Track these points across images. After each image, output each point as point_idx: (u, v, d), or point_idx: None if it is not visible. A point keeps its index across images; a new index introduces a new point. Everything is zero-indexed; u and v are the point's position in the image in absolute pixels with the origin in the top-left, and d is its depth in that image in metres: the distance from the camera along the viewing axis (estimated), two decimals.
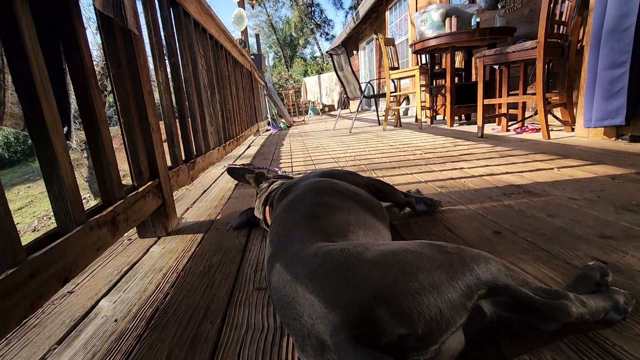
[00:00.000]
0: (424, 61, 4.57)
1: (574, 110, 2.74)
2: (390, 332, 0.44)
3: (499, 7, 4.00)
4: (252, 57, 6.84)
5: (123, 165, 1.21)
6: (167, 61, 1.57)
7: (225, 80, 3.04)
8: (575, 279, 0.64)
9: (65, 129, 0.88)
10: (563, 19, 2.60)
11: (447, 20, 3.62)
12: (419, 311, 0.45)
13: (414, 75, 3.88)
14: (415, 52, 4.11)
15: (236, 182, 2.06)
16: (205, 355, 0.59)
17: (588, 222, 0.99)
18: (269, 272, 0.62)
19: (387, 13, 8.21)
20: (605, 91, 1.99)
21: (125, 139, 1.12)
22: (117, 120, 1.12)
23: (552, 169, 1.64)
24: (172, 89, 1.59)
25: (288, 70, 25.58)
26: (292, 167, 2.36)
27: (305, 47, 33.06)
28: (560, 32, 2.62)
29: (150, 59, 1.35)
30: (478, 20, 3.62)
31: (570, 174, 1.52)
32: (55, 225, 0.74)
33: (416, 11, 4.57)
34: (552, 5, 2.33)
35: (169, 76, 1.56)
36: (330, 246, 0.56)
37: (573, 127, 2.71)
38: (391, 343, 0.44)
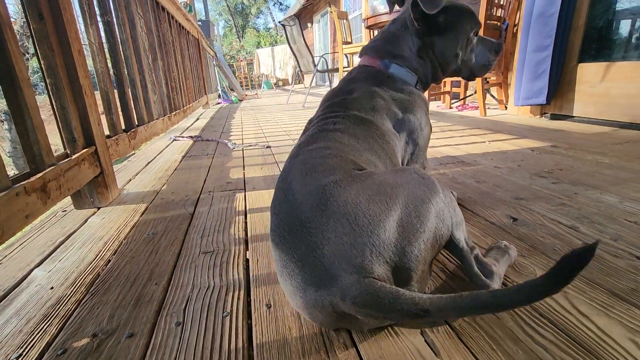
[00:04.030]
0: None
1: (508, 90, 2.98)
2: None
3: None
4: (200, 23, 6.40)
5: (55, 139, 1.12)
6: (99, 19, 1.43)
7: (169, 46, 2.84)
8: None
9: None
10: (501, 3, 2.76)
11: None
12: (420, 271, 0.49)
13: None
14: (368, 27, 4.13)
15: (183, 153, 1.98)
16: (151, 313, 0.60)
17: (507, 187, 1.12)
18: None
19: None
20: (532, 72, 2.18)
21: (54, 102, 1.03)
22: (44, 86, 1.01)
23: (484, 142, 1.80)
24: (107, 51, 1.46)
25: (240, 41, 24.37)
26: (242, 139, 2.32)
27: (258, 17, 31.59)
28: (499, 15, 2.79)
29: (79, 16, 1.23)
30: None
31: (498, 146, 1.68)
32: None
33: None
34: None
35: (103, 36, 1.43)
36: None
37: (507, 105, 2.95)
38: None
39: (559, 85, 2.23)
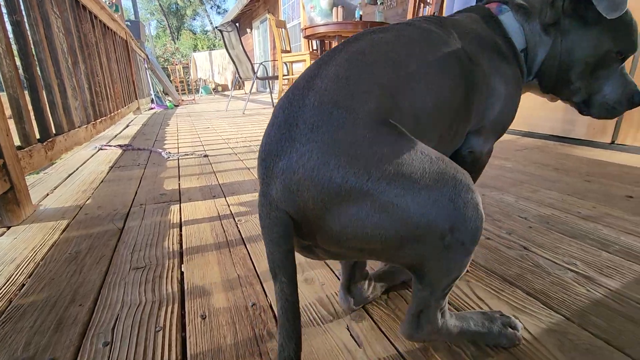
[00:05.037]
0: (314, 47, 4.75)
1: None
2: None
3: (379, 3, 4.41)
4: (128, 23, 6.00)
5: None
6: (6, 19, 1.30)
7: (92, 48, 2.63)
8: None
9: None
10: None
11: (334, 9, 3.84)
12: None
13: (305, 60, 4.01)
14: (306, 37, 4.24)
15: (111, 163, 1.85)
16: (74, 336, 0.57)
17: None
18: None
19: None
20: None
21: None
22: None
23: None
24: (16, 53, 1.32)
25: (175, 43, 23.20)
26: (178, 148, 2.23)
27: (195, 19, 30.44)
28: None
29: None
30: (361, 13, 3.94)
31: None
32: None
33: None
34: (417, 7, 2.71)
35: (11, 37, 1.29)
36: None
37: None
38: None
39: None
